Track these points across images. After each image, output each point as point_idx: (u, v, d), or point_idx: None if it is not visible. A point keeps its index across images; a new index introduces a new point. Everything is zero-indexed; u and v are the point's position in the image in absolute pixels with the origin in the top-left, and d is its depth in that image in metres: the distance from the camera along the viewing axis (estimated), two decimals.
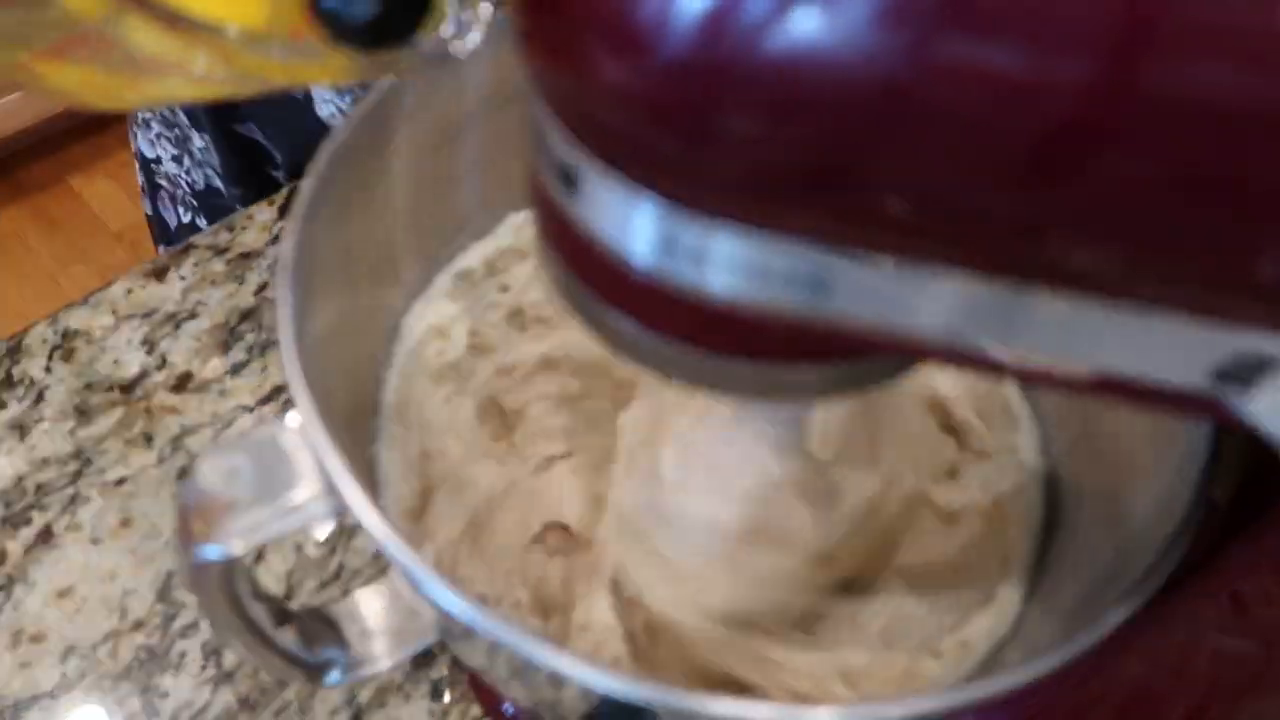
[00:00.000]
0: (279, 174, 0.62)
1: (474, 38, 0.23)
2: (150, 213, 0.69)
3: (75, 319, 0.50)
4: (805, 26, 0.13)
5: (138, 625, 0.42)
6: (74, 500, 0.45)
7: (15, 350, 0.49)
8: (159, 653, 0.41)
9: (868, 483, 0.34)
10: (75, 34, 0.22)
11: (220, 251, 0.53)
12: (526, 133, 0.18)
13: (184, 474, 0.45)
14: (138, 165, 0.67)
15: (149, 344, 0.49)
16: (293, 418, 0.25)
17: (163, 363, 0.49)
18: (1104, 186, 0.14)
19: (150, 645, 0.41)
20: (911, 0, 0.13)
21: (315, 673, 0.29)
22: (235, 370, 0.49)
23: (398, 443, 0.35)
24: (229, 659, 0.41)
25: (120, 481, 0.45)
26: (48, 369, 0.48)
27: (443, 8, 0.22)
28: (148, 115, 0.64)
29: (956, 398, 0.37)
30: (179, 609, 0.42)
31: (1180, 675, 0.26)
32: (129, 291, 0.51)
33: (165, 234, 0.69)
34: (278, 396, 0.48)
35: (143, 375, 0.48)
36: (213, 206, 0.65)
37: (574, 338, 0.37)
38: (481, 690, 0.39)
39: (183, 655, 0.41)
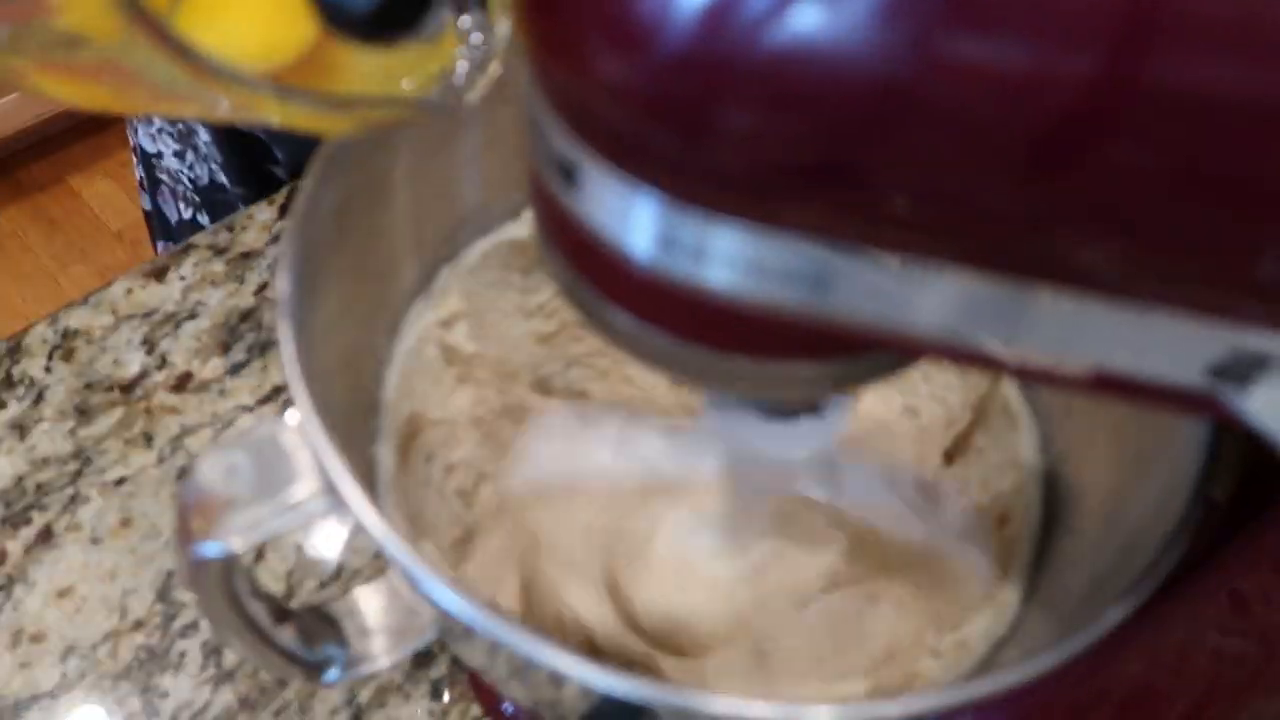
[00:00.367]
0: (279, 170, 0.62)
1: (475, 95, 0.23)
2: (149, 208, 0.69)
3: (75, 319, 0.50)
4: (806, 21, 0.13)
5: (138, 625, 0.42)
6: (74, 500, 0.45)
7: (15, 350, 0.49)
8: (159, 653, 0.41)
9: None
10: (79, 59, 0.22)
11: (220, 251, 0.53)
12: (526, 130, 0.18)
13: (184, 474, 0.45)
14: (136, 160, 0.67)
15: (149, 344, 0.49)
16: (292, 415, 0.25)
17: (163, 363, 0.49)
18: (1105, 182, 0.14)
19: (150, 645, 0.41)
20: None
21: (314, 671, 0.29)
22: (235, 370, 0.49)
23: (398, 440, 0.35)
24: (229, 659, 0.41)
25: (120, 481, 0.45)
26: (48, 369, 0.48)
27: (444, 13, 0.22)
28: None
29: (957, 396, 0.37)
30: (179, 609, 0.42)
31: (1180, 674, 0.26)
32: (129, 291, 0.51)
33: (166, 230, 0.69)
34: (278, 396, 0.48)
35: (143, 375, 0.48)
36: (215, 202, 0.65)
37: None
38: (481, 690, 0.39)
39: (183, 655, 0.41)
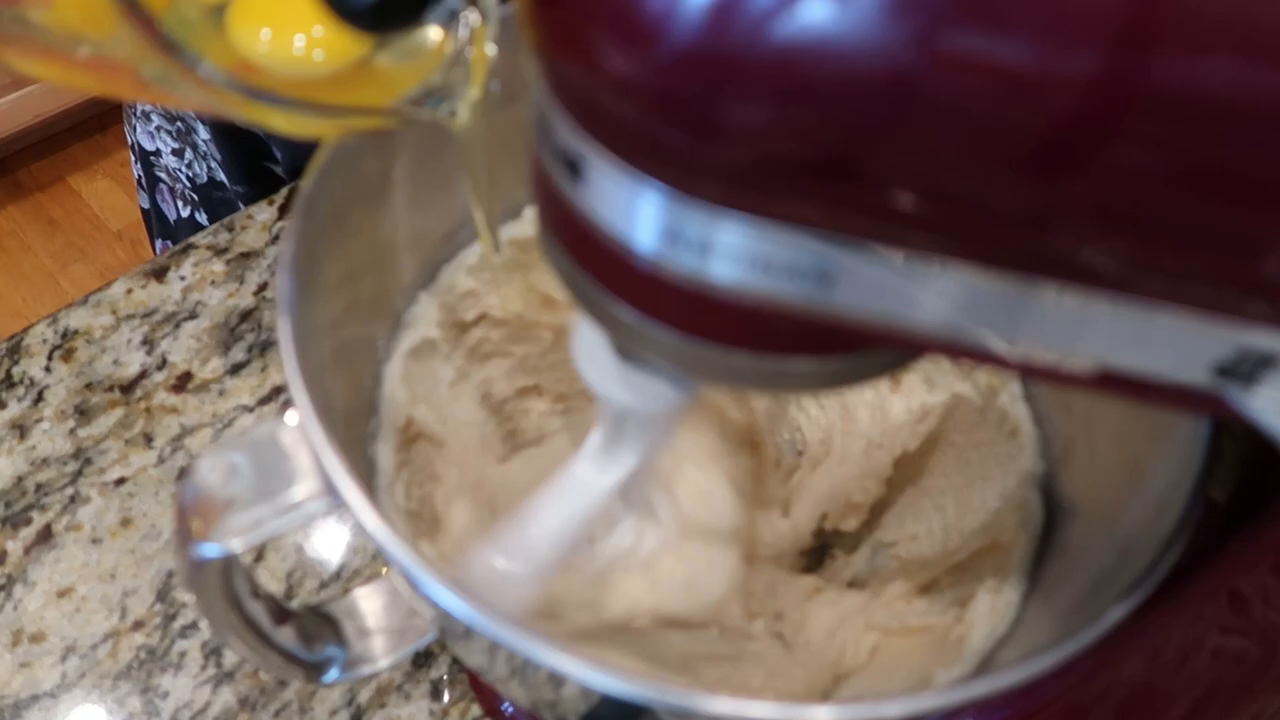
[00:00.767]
0: (278, 168, 0.62)
1: (465, 111, 0.23)
2: (148, 206, 0.69)
3: (75, 319, 0.50)
4: (813, 15, 0.13)
5: (138, 625, 0.42)
6: (74, 500, 0.45)
7: (15, 350, 0.49)
8: (159, 652, 0.41)
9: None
10: (64, 52, 0.22)
11: (220, 251, 0.53)
12: (529, 128, 0.18)
13: (184, 474, 0.45)
14: (135, 158, 0.67)
15: (149, 344, 0.49)
16: (291, 416, 0.25)
17: (163, 363, 0.49)
18: (1111, 180, 0.13)
19: (150, 645, 0.41)
20: None
21: (314, 671, 0.29)
22: (235, 370, 0.49)
23: (398, 441, 0.35)
24: (229, 659, 0.41)
25: (120, 481, 0.45)
26: (48, 369, 0.48)
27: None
28: (148, 108, 0.64)
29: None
30: (179, 609, 0.42)
31: (1180, 674, 0.26)
32: (129, 291, 0.51)
33: (164, 228, 0.69)
34: (277, 396, 0.48)
35: (143, 375, 0.48)
36: (213, 200, 0.65)
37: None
38: (481, 690, 0.39)
39: (183, 655, 0.41)
